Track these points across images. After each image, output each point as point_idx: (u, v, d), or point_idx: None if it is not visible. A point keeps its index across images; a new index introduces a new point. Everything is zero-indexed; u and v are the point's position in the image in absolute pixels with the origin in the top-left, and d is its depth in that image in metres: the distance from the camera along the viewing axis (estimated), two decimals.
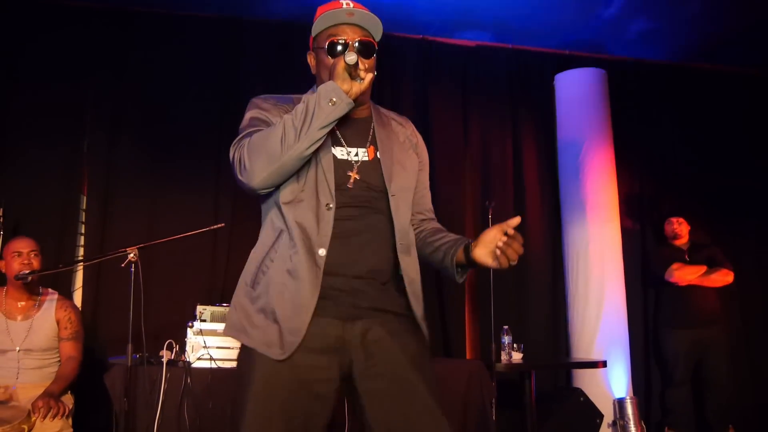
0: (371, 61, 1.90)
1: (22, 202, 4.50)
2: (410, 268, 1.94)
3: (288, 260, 1.82)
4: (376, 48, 1.94)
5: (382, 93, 5.28)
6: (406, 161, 2.00)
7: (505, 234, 1.79)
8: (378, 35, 1.95)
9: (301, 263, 1.80)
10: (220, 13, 5.10)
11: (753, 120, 6.10)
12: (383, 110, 2.10)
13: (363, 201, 1.89)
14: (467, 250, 1.88)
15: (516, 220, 1.80)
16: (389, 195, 1.90)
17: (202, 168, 4.91)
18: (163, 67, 4.95)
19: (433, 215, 2.17)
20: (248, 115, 1.95)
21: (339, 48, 1.87)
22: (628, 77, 5.85)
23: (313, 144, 1.77)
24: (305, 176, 1.85)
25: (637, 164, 5.90)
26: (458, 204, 5.36)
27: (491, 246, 1.81)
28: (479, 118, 5.61)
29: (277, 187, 1.87)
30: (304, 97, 1.84)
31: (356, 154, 1.92)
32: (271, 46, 5.12)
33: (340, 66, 1.76)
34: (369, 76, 1.80)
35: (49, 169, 4.64)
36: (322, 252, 1.81)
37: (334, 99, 1.75)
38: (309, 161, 1.84)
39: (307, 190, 1.84)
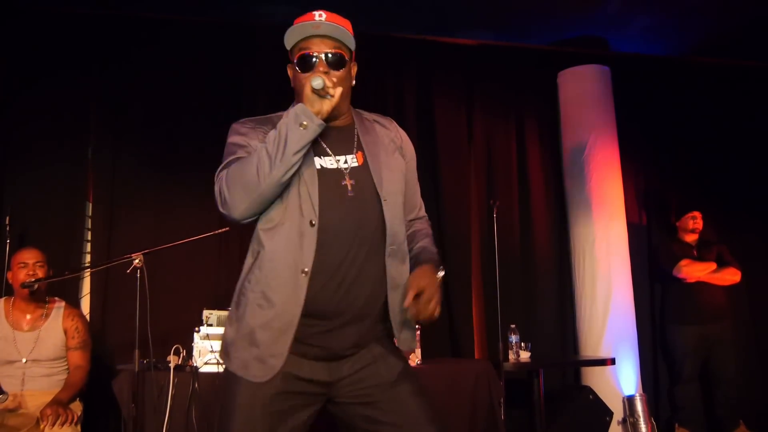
0: (341, 73, 1.88)
1: (28, 209, 4.50)
2: (398, 275, 1.92)
3: (264, 282, 1.82)
4: (347, 57, 1.91)
5: (385, 94, 5.28)
6: (393, 164, 1.98)
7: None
8: (350, 42, 1.92)
9: (279, 286, 1.80)
10: (225, 20, 5.09)
11: (760, 115, 6.06)
12: (365, 114, 2.08)
13: (359, 209, 1.87)
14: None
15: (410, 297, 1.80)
16: (382, 200, 1.88)
17: (207, 173, 4.86)
18: (168, 72, 4.94)
19: (421, 212, 2.16)
20: (228, 141, 1.94)
21: (307, 61, 1.86)
22: (632, 73, 5.82)
23: (289, 170, 1.76)
24: (287, 195, 1.83)
25: (642, 160, 5.87)
26: (463, 203, 5.35)
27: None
28: (483, 117, 5.60)
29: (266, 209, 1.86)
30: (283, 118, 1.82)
31: (345, 161, 1.90)
32: (276, 51, 5.10)
33: (308, 89, 1.76)
34: (338, 91, 1.77)
35: (54, 176, 4.64)
36: (305, 269, 1.79)
37: (305, 122, 1.74)
38: (292, 179, 1.82)
39: (290, 210, 1.82)
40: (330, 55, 1.87)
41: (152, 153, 4.86)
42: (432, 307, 1.81)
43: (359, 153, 1.93)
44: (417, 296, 1.80)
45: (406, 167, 2.05)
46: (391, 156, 2.00)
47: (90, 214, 4.75)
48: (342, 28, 1.88)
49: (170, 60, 4.97)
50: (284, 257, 1.80)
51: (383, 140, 2.02)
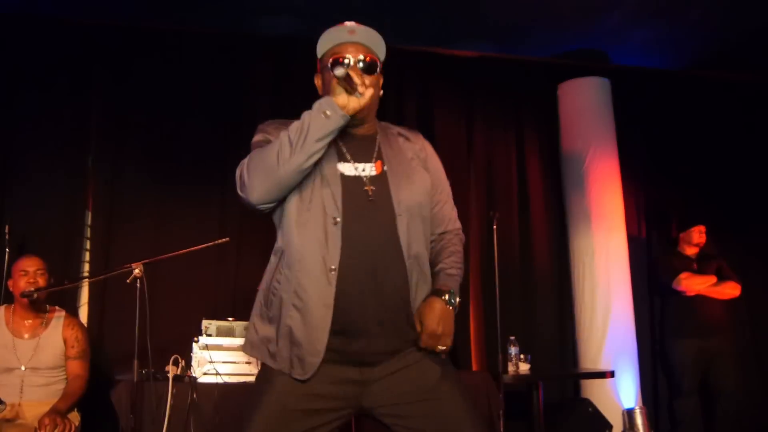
0: (373, 78, 1.91)
1: (28, 218, 4.50)
2: (420, 288, 1.92)
3: (295, 281, 1.83)
4: (379, 65, 1.95)
5: (386, 105, 5.26)
6: (415, 178, 1.97)
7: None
8: (381, 53, 1.97)
9: (310, 284, 1.80)
10: (226, 31, 5.11)
11: (759, 128, 6.08)
12: (391, 127, 2.09)
13: (378, 216, 1.87)
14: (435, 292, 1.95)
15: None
16: (396, 215, 1.88)
17: (208, 182, 4.91)
18: (168, 82, 4.96)
19: (451, 226, 2.15)
20: (254, 140, 1.96)
21: (341, 65, 1.88)
22: (632, 86, 5.83)
23: (310, 157, 1.78)
24: (311, 194, 1.85)
25: (642, 173, 5.88)
26: (463, 214, 5.25)
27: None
28: (483, 129, 5.61)
29: (283, 206, 1.88)
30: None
31: (364, 169, 1.92)
32: (277, 62, 5.13)
33: (333, 81, 1.79)
34: (369, 92, 1.80)
35: (54, 185, 4.65)
36: (333, 266, 1.80)
37: (328, 112, 1.76)
38: (315, 178, 1.85)
39: (314, 209, 1.84)
40: (363, 60, 1.91)
41: (152, 163, 4.87)
42: (435, 341, 1.88)
43: (378, 162, 1.94)
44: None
45: (432, 182, 2.04)
46: (413, 170, 2.00)
47: (89, 223, 4.75)
48: (376, 35, 1.93)
49: (171, 71, 4.99)
50: (312, 255, 1.81)
51: (406, 154, 2.02)
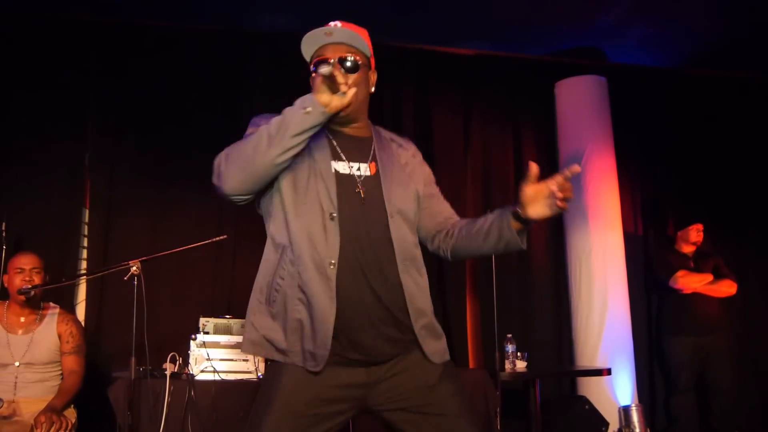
0: (356, 77, 1.91)
1: (24, 215, 4.50)
2: (415, 286, 1.93)
3: (297, 276, 1.83)
4: (361, 61, 1.94)
5: (382, 103, 5.29)
6: (407, 183, 2.00)
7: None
8: (365, 48, 1.96)
9: (312, 278, 1.81)
10: (224, 28, 5.11)
11: (754, 126, 6.09)
12: (383, 131, 2.11)
13: (371, 217, 1.89)
14: (517, 216, 1.93)
15: (534, 169, 1.90)
16: (388, 217, 1.90)
17: (205, 181, 4.87)
18: (166, 79, 4.96)
19: (454, 217, 2.18)
20: (246, 133, 1.96)
21: (326, 64, 1.86)
22: (628, 84, 5.84)
23: (286, 151, 1.77)
24: (302, 186, 1.86)
25: (639, 171, 5.90)
26: (460, 212, 5.30)
27: (542, 200, 1.87)
28: (480, 127, 5.61)
29: (278, 199, 1.88)
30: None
31: (358, 169, 1.93)
32: (273, 59, 5.13)
33: (318, 79, 1.78)
34: (351, 91, 1.79)
35: (51, 182, 4.64)
36: (332, 261, 1.81)
37: (308, 108, 1.75)
38: (310, 173, 1.86)
39: (309, 203, 1.85)
40: (344, 59, 1.90)
41: (150, 160, 4.86)
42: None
43: (372, 164, 1.96)
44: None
45: (424, 186, 2.08)
46: (407, 175, 2.02)
47: (86, 220, 4.74)
48: (355, 33, 1.92)
49: (169, 68, 4.98)
50: (311, 251, 1.82)
51: (399, 159, 2.04)
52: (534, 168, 1.90)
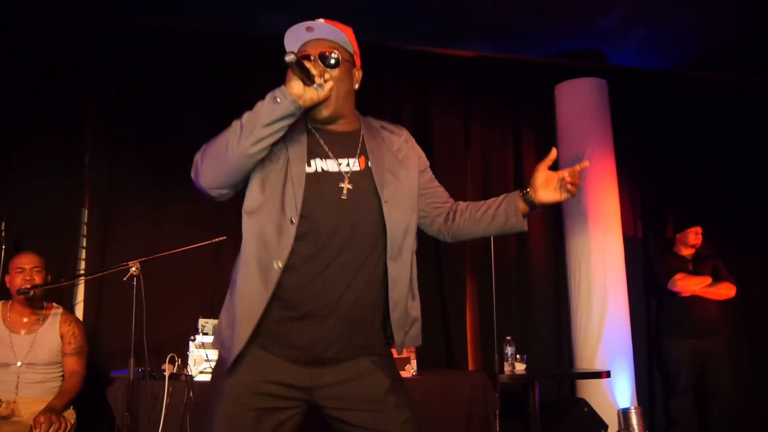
0: (336, 73, 1.89)
1: (23, 215, 4.49)
2: (400, 277, 1.93)
3: (242, 271, 1.85)
4: (341, 59, 1.92)
5: (383, 104, 5.29)
6: (399, 170, 1.99)
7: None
8: (348, 45, 1.95)
9: (247, 276, 1.83)
10: (224, 28, 5.10)
11: (755, 129, 6.09)
12: (374, 121, 2.09)
13: (356, 213, 1.88)
14: (526, 199, 2.04)
15: (554, 153, 2.05)
16: (382, 201, 1.89)
17: None
18: (165, 80, 4.95)
19: (452, 200, 2.20)
20: None
21: (287, 55, 1.84)
22: (628, 86, 5.84)
23: (258, 142, 1.77)
24: (270, 187, 1.86)
25: (639, 173, 5.89)
26: None
27: (553, 184, 2.01)
28: (480, 128, 5.61)
29: (246, 196, 1.90)
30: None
31: (347, 165, 1.92)
32: (273, 60, 5.12)
33: (290, 72, 1.78)
34: (328, 85, 1.80)
35: (51, 182, 4.63)
36: (278, 264, 1.81)
37: (278, 99, 1.75)
38: (278, 174, 1.85)
39: (270, 202, 1.85)
40: (324, 54, 1.90)
41: (149, 160, 4.85)
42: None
43: (362, 158, 1.95)
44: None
45: (419, 171, 2.09)
46: (399, 161, 2.01)
47: (86, 220, 4.73)
48: (336, 29, 1.91)
49: (168, 67, 4.97)
50: (257, 249, 1.84)
51: (390, 146, 2.03)
52: (553, 153, 2.04)
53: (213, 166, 1.82)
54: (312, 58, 1.87)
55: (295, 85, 1.76)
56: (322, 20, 1.92)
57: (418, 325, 2.00)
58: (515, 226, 2.05)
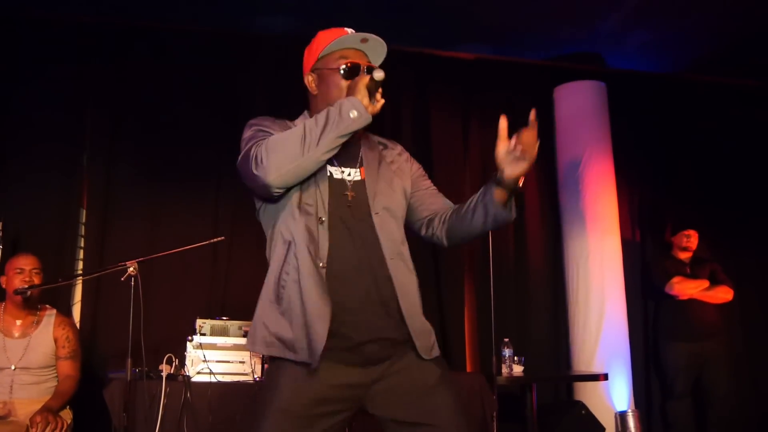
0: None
1: (21, 215, 4.48)
2: (406, 282, 1.94)
3: (296, 272, 1.85)
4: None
5: (382, 106, 5.28)
6: (393, 181, 2.04)
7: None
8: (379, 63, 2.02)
9: (307, 275, 1.83)
10: (222, 29, 5.10)
11: (753, 133, 6.10)
12: (372, 136, 2.15)
13: (360, 220, 1.92)
14: (500, 183, 1.95)
15: (503, 123, 1.94)
16: (372, 213, 1.94)
17: (202, 181, 4.90)
18: (163, 81, 4.95)
19: (447, 204, 2.19)
20: (251, 130, 1.97)
21: (359, 71, 1.91)
22: (627, 89, 5.84)
23: (329, 151, 1.81)
24: (308, 190, 1.89)
25: (637, 176, 5.90)
26: None
27: (511, 158, 1.91)
28: (479, 130, 5.62)
29: (284, 196, 1.89)
30: (305, 119, 1.88)
31: (349, 174, 1.97)
32: (271, 61, 5.13)
33: (363, 83, 1.82)
34: (380, 103, 1.86)
35: (48, 182, 4.63)
36: (322, 263, 1.84)
37: (356, 113, 1.79)
38: (311, 177, 1.89)
39: (309, 204, 1.89)
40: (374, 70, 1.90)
41: (147, 161, 4.86)
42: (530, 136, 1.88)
43: (362, 168, 2.00)
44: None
45: (416, 177, 2.14)
46: (393, 172, 2.06)
47: (83, 221, 4.73)
48: (385, 45, 1.98)
49: (167, 69, 4.98)
50: (308, 249, 1.85)
51: (385, 158, 2.09)
52: (503, 122, 1.93)
53: (284, 166, 1.80)
54: (368, 67, 1.91)
55: (365, 99, 1.81)
56: (374, 35, 1.97)
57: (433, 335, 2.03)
58: (498, 215, 1.98)
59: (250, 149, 1.86)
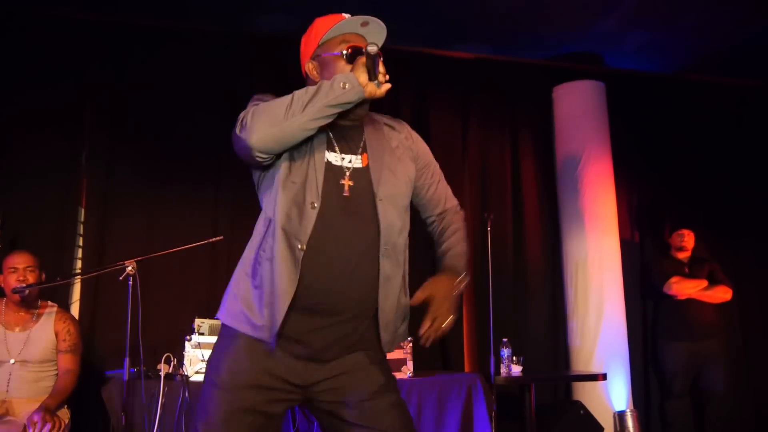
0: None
1: (20, 214, 4.48)
2: (392, 275, 1.92)
3: (271, 251, 1.83)
4: None
5: (381, 106, 5.27)
6: (397, 167, 1.99)
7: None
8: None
9: (280, 253, 1.81)
10: (221, 28, 5.10)
11: (752, 133, 6.10)
12: (376, 116, 2.10)
13: (356, 209, 1.89)
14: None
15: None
16: (376, 200, 1.90)
17: (201, 180, 4.90)
18: (163, 80, 4.94)
19: (449, 204, 2.19)
20: (250, 103, 1.94)
21: (371, 45, 1.84)
22: (626, 89, 5.85)
23: (316, 120, 1.78)
24: (298, 170, 1.87)
25: (636, 176, 5.90)
26: None
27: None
28: (478, 130, 5.62)
29: (273, 174, 1.89)
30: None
31: (350, 161, 1.93)
32: (272, 60, 5.12)
33: (361, 60, 1.79)
34: (386, 86, 1.82)
35: (47, 181, 4.62)
36: (301, 246, 1.81)
37: (347, 84, 1.76)
38: (303, 157, 1.87)
39: (297, 184, 1.85)
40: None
41: (146, 160, 4.85)
42: (444, 314, 1.86)
43: (364, 155, 1.96)
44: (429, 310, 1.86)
45: (420, 167, 2.09)
46: (397, 159, 2.01)
47: (82, 219, 4.73)
48: (384, 27, 1.97)
49: (166, 67, 4.97)
50: (284, 224, 1.83)
51: (390, 142, 2.04)
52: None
53: (267, 128, 1.78)
54: (373, 50, 1.84)
55: (363, 76, 1.78)
56: (373, 17, 1.96)
57: (407, 322, 2.01)
58: None
59: (240, 115, 1.86)
